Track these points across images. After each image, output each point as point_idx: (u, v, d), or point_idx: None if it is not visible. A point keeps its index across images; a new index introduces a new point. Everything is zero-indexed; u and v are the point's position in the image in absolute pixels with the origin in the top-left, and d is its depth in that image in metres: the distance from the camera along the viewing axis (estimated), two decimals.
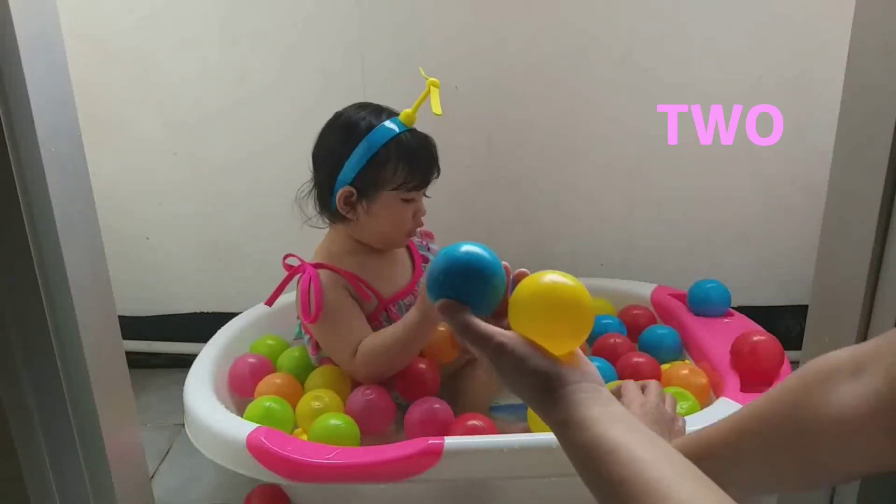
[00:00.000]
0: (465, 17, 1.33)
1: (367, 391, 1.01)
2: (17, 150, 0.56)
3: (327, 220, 1.12)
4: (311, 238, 1.16)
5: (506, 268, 0.55)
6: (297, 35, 1.34)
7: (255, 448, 0.89)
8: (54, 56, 0.60)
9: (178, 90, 1.38)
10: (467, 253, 0.52)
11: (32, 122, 0.56)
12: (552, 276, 0.51)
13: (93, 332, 0.63)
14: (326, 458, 0.87)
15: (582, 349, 0.53)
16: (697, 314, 1.23)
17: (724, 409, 0.94)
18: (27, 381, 0.59)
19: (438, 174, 1.08)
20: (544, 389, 0.47)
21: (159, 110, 1.40)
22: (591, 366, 0.51)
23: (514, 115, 1.39)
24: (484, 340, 0.49)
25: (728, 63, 1.35)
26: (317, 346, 1.12)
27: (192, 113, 1.40)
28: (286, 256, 1.11)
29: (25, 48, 0.55)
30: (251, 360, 1.16)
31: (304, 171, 1.44)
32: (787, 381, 0.51)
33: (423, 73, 1.05)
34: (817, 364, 0.50)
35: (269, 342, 1.24)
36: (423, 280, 0.54)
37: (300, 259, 1.11)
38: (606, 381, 1.08)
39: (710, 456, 0.53)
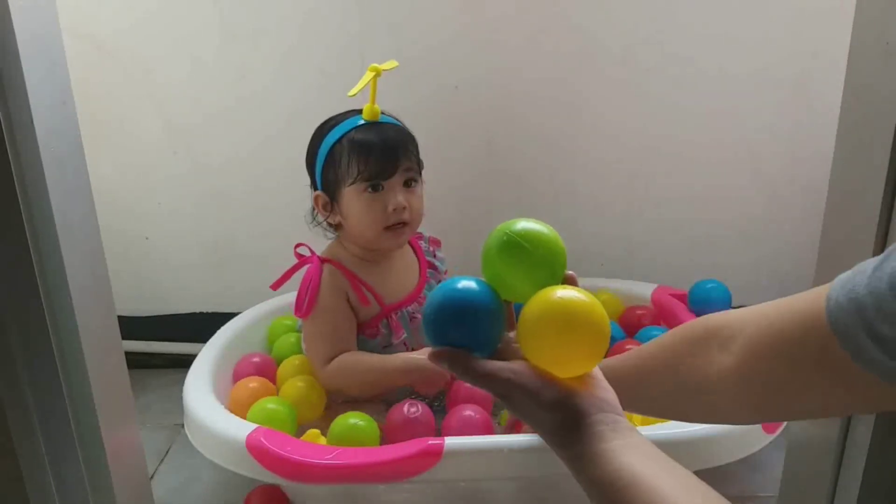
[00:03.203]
0: (464, 15, 1.33)
1: (412, 407, 0.98)
2: (16, 149, 0.55)
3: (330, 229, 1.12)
4: (312, 238, 1.16)
5: (505, 302, 0.51)
6: (297, 34, 1.34)
7: (254, 448, 0.89)
8: (54, 55, 0.59)
9: (177, 89, 1.38)
10: (462, 291, 0.48)
11: (32, 121, 0.55)
12: (564, 293, 0.46)
13: (92, 332, 0.63)
14: (326, 459, 0.87)
15: None
16: (698, 314, 1.23)
17: None
18: (26, 381, 0.59)
19: (417, 164, 1.05)
20: (561, 425, 0.45)
21: (159, 109, 1.39)
22: (609, 391, 0.48)
23: (514, 114, 1.39)
24: (489, 380, 0.46)
25: (728, 62, 1.35)
26: None
27: (191, 112, 1.39)
28: (298, 245, 1.10)
29: (25, 48, 0.54)
30: (255, 359, 1.17)
31: (303, 170, 1.44)
32: (683, 331, 0.54)
33: (388, 65, 1.02)
34: (703, 324, 0.52)
35: (287, 322, 1.27)
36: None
37: (311, 250, 1.10)
38: None
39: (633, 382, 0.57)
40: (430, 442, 0.87)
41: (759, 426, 0.92)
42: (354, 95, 1.01)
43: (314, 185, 1.09)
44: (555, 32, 1.34)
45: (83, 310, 0.62)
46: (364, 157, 1.01)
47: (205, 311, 1.53)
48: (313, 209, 1.12)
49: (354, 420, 0.96)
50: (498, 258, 0.49)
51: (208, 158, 1.43)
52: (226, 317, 1.29)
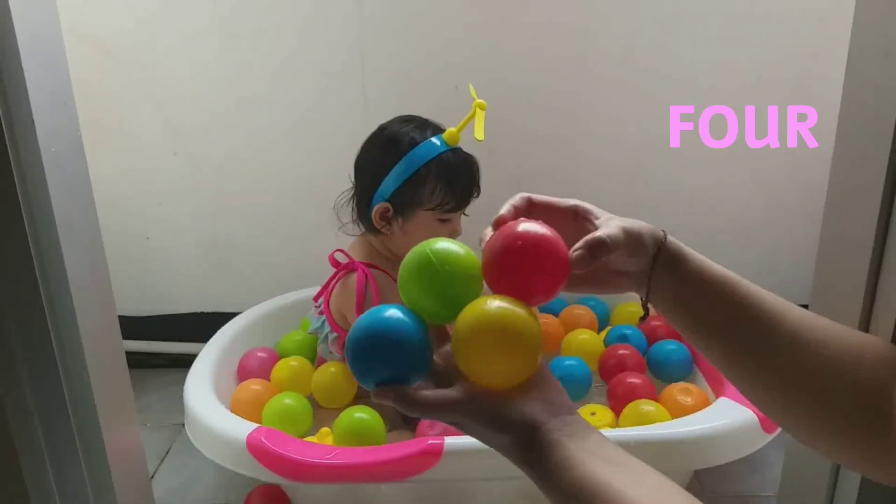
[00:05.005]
0: (465, 17, 1.33)
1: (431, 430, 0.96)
2: (17, 150, 0.55)
3: (363, 229, 1.11)
4: (313, 238, 1.16)
5: (430, 326, 0.48)
6: (298, 35, 1.34)
7: (255, 448, 0.89)
8: (54, 56, 0.59)
9: (178, 90, 1.38)
10: (380, 323, 0.46)
11: (32, 121, 0.56)
12: (490, 304, 0.44)
13: (93, 332, 0.63)
14: (326, 458, 0.87)
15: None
16: None
17: (725, 409, 0.95)
18: (27, 381, 0.59)
19: (478, 194, 1.07)
20: (518, 443, 0.43)
21: (159, 110, 1.40)
22: (557, 388, 0.46)
23: (514, 114, 1.39)
24: (435, 410, 0.44)
25: (728, 63, 1.35)
26: (343, 346, 1.13)
27: (192, 113, 1.40)
28: (334, 252, 1.09)
29: (25, 48, 0.55)
30: (260, 353, 1.20)
31: (304, 170, 1.45)
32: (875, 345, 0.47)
33: (473, 92, 1.04)
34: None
35: (297, 338, 1.26)
36: None
37: (348, 255, 1.10)
38: (581, 381, 1.10)
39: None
40: (429, 442, 0.87)
41: (758, 425, 0.92)
42: (482, 139, 1.00)
43: (369, 192, 1.06)
44: (554, 33, 1.34)
45: (84, 310, 0.62)
46: (450, 189, 1.03)
47: (205, 310, 1.53)
48: (356, 210, 1.09)
49: (360, 414, 0.97)
50: (408, 278, 0.48)
51: (209, 159, 1.43)
52: (226, 317, 1.29)
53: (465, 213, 1.09)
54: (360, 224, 1.11)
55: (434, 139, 1.04)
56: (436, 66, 1.36)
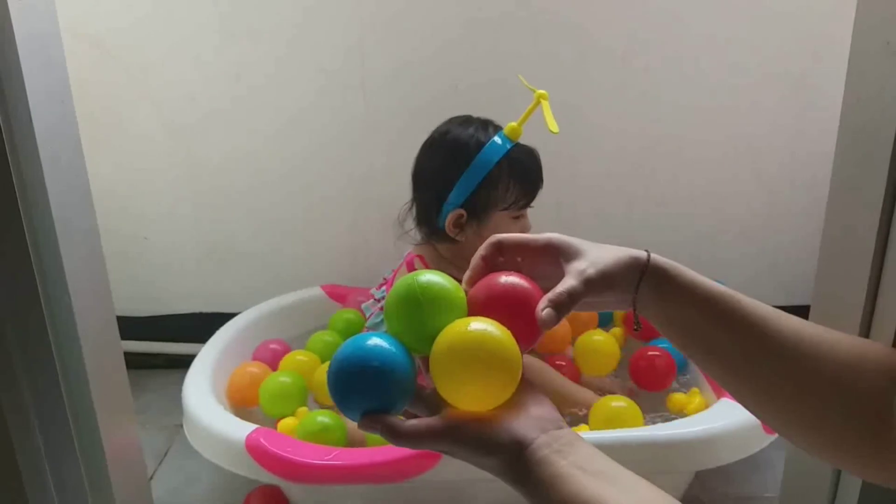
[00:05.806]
0: (465, 15, 1.33)
1: None
2: (15, 149, 0.55)
3: (424, 238, 1.09)
4: (312, 238, 1.16)
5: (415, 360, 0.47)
6: (296, 33, 1.34)
7: (253, 449, 0.89)
8: (52, 55, 0.59)
9: (176, 89, 1.38)
10: (356, 355, 0.44)
11: (31, 120, 0.55)
12: (466, 327, 0.44)
13: (91, 332, 0.63)
14: (326, 459, 0.87)
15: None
16: None
17: (725, 409, 0.94)
18: (25, 382, 0.58)
19: (542, 185, 1.06)
20: (507, 464, 0.43)
21: (157, 109, 1.39)
22: (541, 401, 0.46)
23: (514, 114, 1.39)
24: (421, 440, 0.43)
25: (728, 62, 1.35)
26: None
27: (190, 112, 1.39)
28: (414, 258, 1.08)
29: (24, 47, 0.54)
30: (273, 345, 1.24)
31: (303, 169, 1.44)
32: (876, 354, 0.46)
33: (524, 81, 1.01)
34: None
35: (348, 316, 1.30)
36: None
37: (424, 262, 1.07)
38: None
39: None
40: None
41: (759, 425, 0.92)
42: (556, 132, 0.98)
43: (439, 201, 1.03)
44: (554, 32, 1.34)
45: (82, 310, 0.61)
46: (523, 186, 1.02)
47: (204, 311, 1.53)
48: (421, 220, 1.07)
49: (322, 418, 0.99)
50: (392, 310, 0.47)
51: (207, 158, 1.43)
52: (225, 317, 1.28)
53: (530, 206, 1.06)
54: (426, 233, 1.08)
55: (496, 138, 1.01)
56: (435, 65, 1.36)
